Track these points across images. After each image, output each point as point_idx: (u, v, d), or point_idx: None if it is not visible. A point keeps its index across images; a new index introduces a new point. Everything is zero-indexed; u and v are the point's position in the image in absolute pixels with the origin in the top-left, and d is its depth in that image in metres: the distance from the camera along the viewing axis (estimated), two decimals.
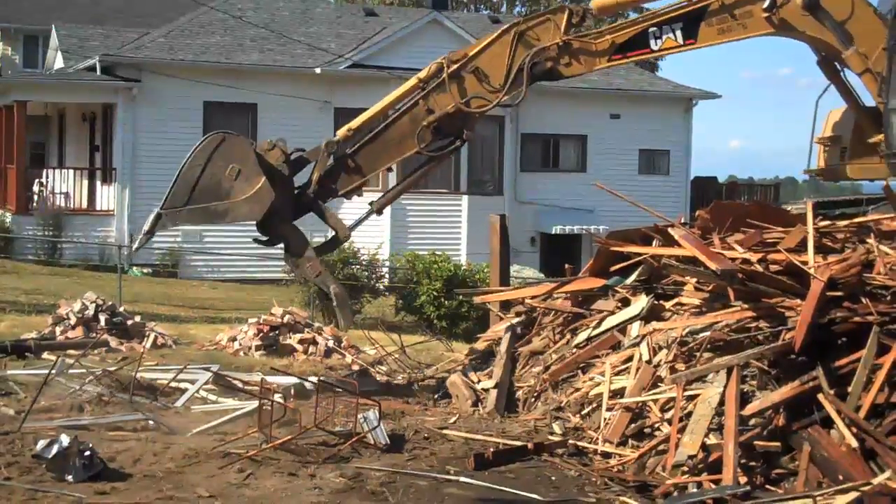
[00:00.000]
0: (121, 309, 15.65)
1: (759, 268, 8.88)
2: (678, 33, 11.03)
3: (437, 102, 10.94)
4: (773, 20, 10.83)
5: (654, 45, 11.11)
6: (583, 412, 9.21)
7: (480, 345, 12.04)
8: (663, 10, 11.13)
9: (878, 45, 10.90)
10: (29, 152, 32.18)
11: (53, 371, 10.41)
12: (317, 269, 10.93)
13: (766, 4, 10.78)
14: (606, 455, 8.34)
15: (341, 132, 11.19)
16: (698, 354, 8.61)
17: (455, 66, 10.94)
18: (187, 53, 30.91)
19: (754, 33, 11.02)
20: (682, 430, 7.77)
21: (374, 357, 14.04)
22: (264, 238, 11.06)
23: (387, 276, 26.03)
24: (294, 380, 10.65)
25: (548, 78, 11.27)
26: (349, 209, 12.51)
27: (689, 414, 7.94)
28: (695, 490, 7.29)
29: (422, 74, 11.06)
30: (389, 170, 11.27)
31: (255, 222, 10.75)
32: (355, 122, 11.24)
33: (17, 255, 28.34)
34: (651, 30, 11.07)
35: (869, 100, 11.27)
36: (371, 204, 11.37)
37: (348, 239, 11.72)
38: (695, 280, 9.51)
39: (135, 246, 11.17)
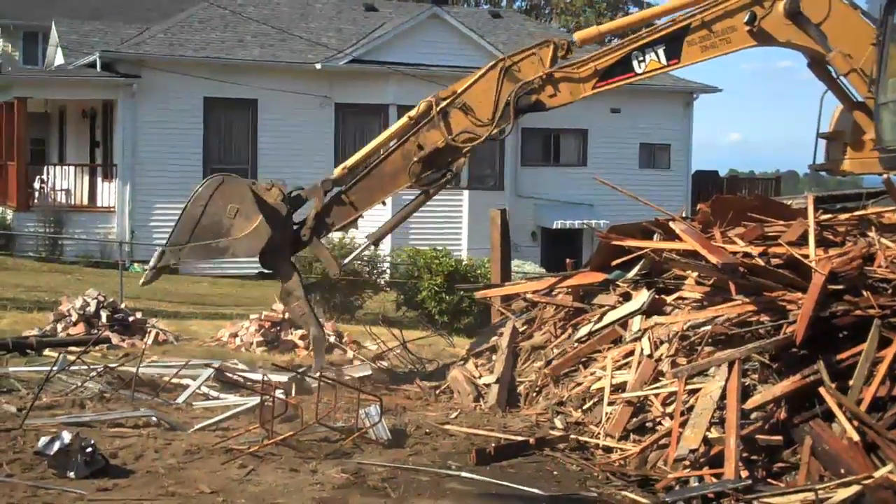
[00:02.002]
0: (122, 305, 15.65)
1: (761, 261, 8.89)
2: (661, 54, 11.12)
3: (428, 138, 11.35)
4: (755, 32, 10.88)
5: (637, 68, 11.20)
6: (584, 407, 9.22)
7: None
8: (644, 34, 11.23)
9: (864, 45, 10.95)
10: (29, 149, 32.13)
11: (55, 368, 10.42)
12: (302, 309, 11.55)
13: (747, 18, 10.82)
14: (608, 449, 8.36)
15: (337, 171, 11.71)
16: (699, 348, 8.63)
17: (444, 103, 11.27)
18: (187, 49, 30.87)
19: (738, 47, 11.10)
20: (683, 425, 7.78)
21: (376, 352, 14.04)
22: (268, 271, 11.85)
23: (388, 271, 26.00)
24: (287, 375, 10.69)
25: (534, 110, 11.52)
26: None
27: (691, 408, 7.94)
28: (696, 484, 7.29)
29: (412, 113, 11.47)
30: (383, 203, 11.72)
31: (257, 257, 11.36)
32: (350, 161, 11.76)
33: (18, 251, 28.33)
34: (634, 53, 11.14)
35: (861, 98, 11.33)
36: (367, 237, 11.94)
37: (338, 276, 12.30)
38: (696, 274, 9.52)
39: (141, 281, 11.94)
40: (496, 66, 11.35)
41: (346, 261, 13.02)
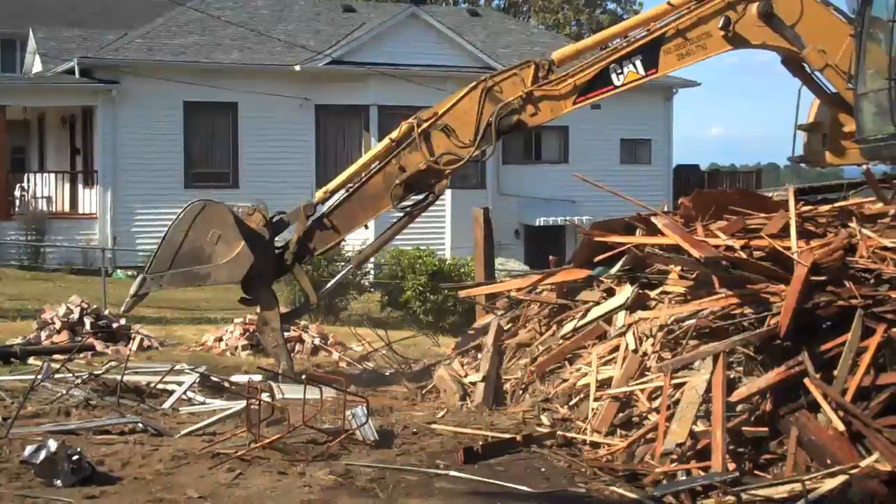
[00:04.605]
0: (106, 312, 15.60)
1: (743, 254, 8.92)
2: (639, 65, 11.18)
3: (409, 160, 11.36)
4: (730, 37, 10.94)
5: (616, 80, 11.26)
6: (571, 403, 9.24)
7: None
8: (620, 46, 11.25)
9: (837, 41, 11.02)
10: (9, 157, 31.98)
11: (39, 376, 10.38)
12: (276, 340, 11.42)
13: (721, 23, 10.87)
14: (595, 445, 8.37)
15: (318, 194, 11.73)
16: (684, 342, 8.64)
17: (425, 125, 11.24)
18: (166, 54, 30.78)
19: (714, 52, 11.18)
20: (669, 419, 7.80)
21: (361, 353, 14.04)
22: (249, 297, 11.60)
23: (372, 272, 26.00)
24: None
25: (516, 130, 11.53)
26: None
27: (677, 402, 7.96)
28: (684, 477, 7.31)
29: (394, 135, 11.48)
30: (366, 227, 11.63)
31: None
32: (332, 184, 11.76)
33: (0, 260, 28.20)
34: (612, 66, 11.18)
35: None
36: (350, 260, 12.05)
37: (317, 304, 12.48)
38: (679, 268, 9.54)
39: (122, 308, 11.92)
40: (477, 86, 11.36)
41: (330, 285, 13.05)
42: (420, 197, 11.68)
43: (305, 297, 12.14)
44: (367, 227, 11.84)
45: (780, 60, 11.78)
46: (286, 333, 14.58)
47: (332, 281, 13.27)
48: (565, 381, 9.56)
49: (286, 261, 11.48)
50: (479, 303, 12.79)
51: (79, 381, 10.62)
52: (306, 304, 12.31)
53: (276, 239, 11.59)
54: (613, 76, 11.20)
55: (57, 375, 10.83)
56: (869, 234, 9.05)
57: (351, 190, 11.53)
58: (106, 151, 29.61)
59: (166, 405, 10.23)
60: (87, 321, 14.51)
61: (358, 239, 25.66)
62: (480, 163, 32.87)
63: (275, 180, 29.33)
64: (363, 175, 11.60)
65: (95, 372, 11.17)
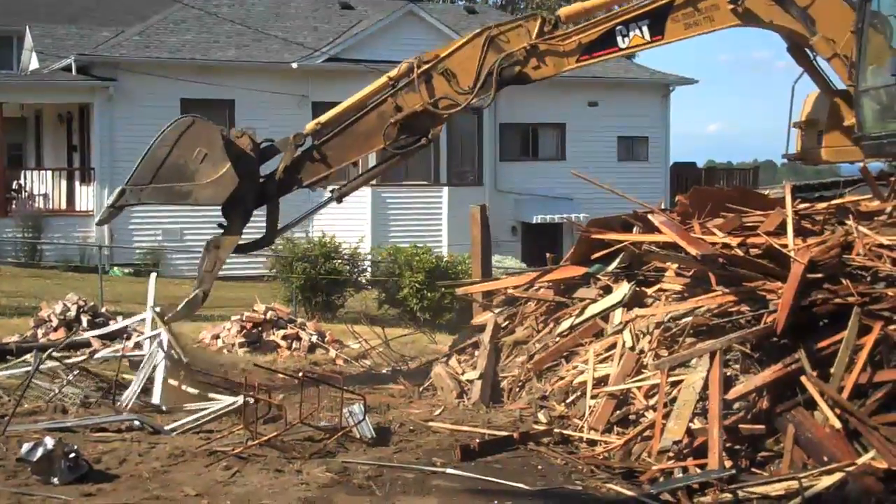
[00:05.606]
0: (103, 309, 15.58)
1: (740, 252, 8.92)
2: (645, 30, 11.10)
3: (406, 101, 11.19)
4: (739, 12, 10.90)
5: (621, 43, 11.17)
6: (567, 400, 9.24)
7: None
8: (629, 8, 11.19)
9: (846, 30, 11.00)
10: (6, 154, 31.94)
11: (34, 367, 10.31)
12: (213, 266, 11.10)
13: None
14: (592, 443, 8.37)
15: (310, 125, 11.46)
16: (681, 340, 8.65)
17: (426, 66, 11.13)
18: (163, 51, 30.75)
19: (721, 26, 11.10)
20: (666, 416, 7.81)
21: (358, 351, 14.04)
22: (224, 220, 11.21)
23: (369, 269, 25.99)
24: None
25: (517, 82, 11.40)
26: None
27: (674, 399, 7.97)
28: (681, 475, 7.31)
29: (392, 73, 11.33)
30: (354, 164, 11.42)
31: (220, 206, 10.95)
32: (325, 117, 11.55)
33: None
34: (618, 28, 11.12)
35: (840, 84, 11.38)
36: (332, 191, 11.55)
37: (272, 243, 12.18)
38: (676, 266, 9.55)
39: (98, 218, 11.35)
40: (482, 34, 11.21)
41: (301, 216, 12.32)
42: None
43: (266, 230, 11.66)
44: (356, 164, 11.52)
45: (785, 48, 11.73)
46: (285, 331, 14.71)
47: (304, 213, 12.54)
48: (562, 378, 9.56)
49: (271, 190, 11.19)
50: (476, 300, 12.78)
51: (71, 375, 10.59)
52: (265, 239, 11.95)
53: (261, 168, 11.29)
54: (619, 38, 11.12)
55: (51, 369, 10.79)
56: (865, 231, 9.05)
57: (344, 124, 11.32)
58: (103, 148, 29.57)
59: (126, 396, 10.04)
60: (84, 318, 14.50)
61: (355, 234, 25.78)
62: (477, 159, 33.03)
63: None
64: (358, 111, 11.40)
65: (77, 359, 11.12)
